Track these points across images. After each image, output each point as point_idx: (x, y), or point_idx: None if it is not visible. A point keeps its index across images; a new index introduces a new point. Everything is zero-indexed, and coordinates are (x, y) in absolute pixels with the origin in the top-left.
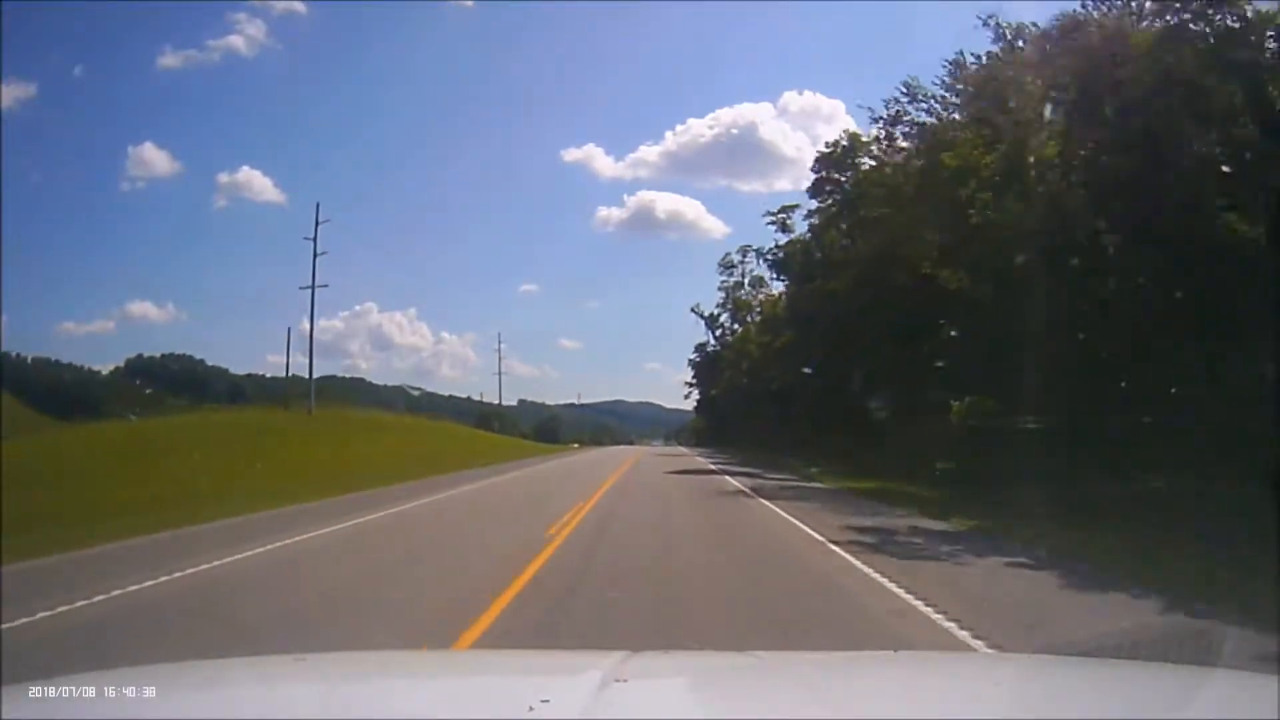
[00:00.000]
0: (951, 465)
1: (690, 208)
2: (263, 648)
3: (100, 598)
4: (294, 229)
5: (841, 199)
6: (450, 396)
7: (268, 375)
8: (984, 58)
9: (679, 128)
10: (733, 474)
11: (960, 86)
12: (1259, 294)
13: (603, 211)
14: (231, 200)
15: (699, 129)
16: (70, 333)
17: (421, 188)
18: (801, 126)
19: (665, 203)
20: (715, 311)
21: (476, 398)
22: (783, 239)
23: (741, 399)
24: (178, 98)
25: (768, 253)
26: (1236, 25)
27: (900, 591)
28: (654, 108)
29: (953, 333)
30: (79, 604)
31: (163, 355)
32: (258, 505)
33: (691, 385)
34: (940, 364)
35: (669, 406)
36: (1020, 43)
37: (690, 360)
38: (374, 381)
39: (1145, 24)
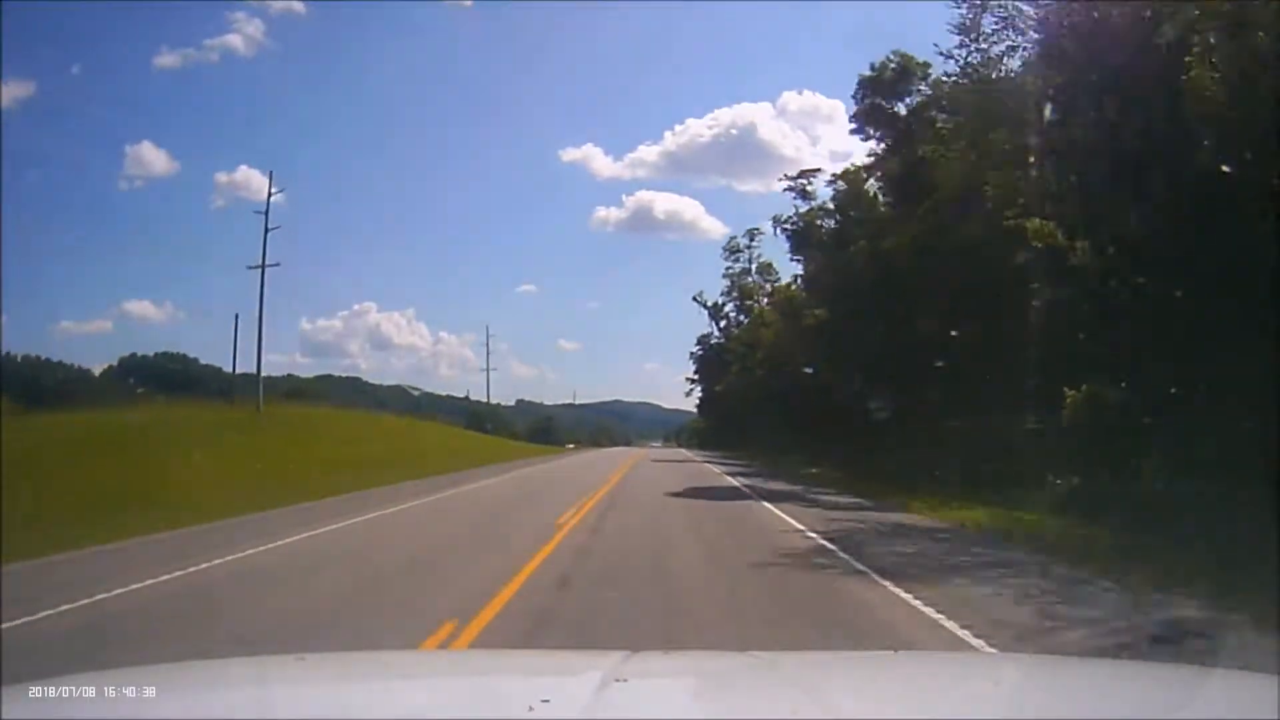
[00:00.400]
0: (1075, 481)
1: (689, 208)
2: None
3: None
4: (293, 229)
5: (894, 135)
6: (448, 396)
7: (265, 375)
8: None
9: (678, 127)
10: (773, 499)
11: None
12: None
13: (601, 211)
14: (230, 200)
15: (698, 129)
16: (68, 332)
17: (420, 188)
18: (801, 126)
19: (664, 203)
20: (719, 300)
21: (476, 398)
22: (803, 207)
23: (752, 394)
24: (176, 97)
25: (786, 221)
26: None
27: None
28: (653, 108)
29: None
30: None
31: (156, 354)
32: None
33: (693, 381)
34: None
35: (668, 406)
36: None
37: (692, 354)
38: (372, 381)
39: None
